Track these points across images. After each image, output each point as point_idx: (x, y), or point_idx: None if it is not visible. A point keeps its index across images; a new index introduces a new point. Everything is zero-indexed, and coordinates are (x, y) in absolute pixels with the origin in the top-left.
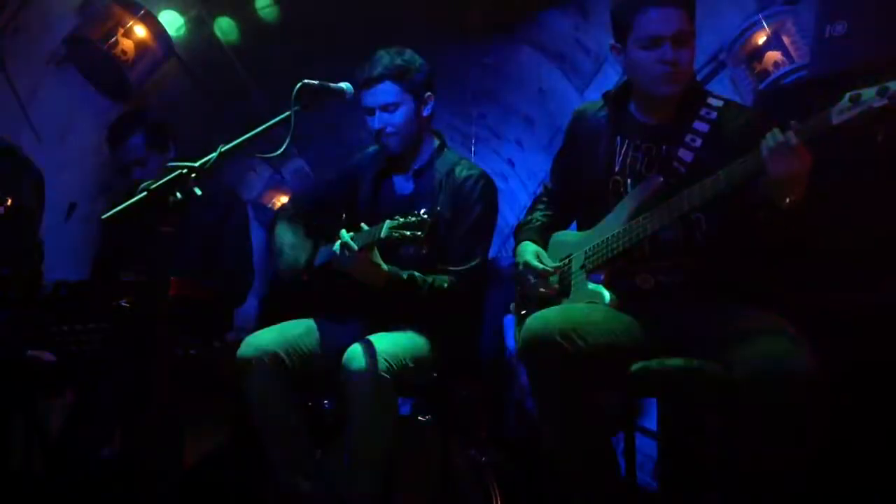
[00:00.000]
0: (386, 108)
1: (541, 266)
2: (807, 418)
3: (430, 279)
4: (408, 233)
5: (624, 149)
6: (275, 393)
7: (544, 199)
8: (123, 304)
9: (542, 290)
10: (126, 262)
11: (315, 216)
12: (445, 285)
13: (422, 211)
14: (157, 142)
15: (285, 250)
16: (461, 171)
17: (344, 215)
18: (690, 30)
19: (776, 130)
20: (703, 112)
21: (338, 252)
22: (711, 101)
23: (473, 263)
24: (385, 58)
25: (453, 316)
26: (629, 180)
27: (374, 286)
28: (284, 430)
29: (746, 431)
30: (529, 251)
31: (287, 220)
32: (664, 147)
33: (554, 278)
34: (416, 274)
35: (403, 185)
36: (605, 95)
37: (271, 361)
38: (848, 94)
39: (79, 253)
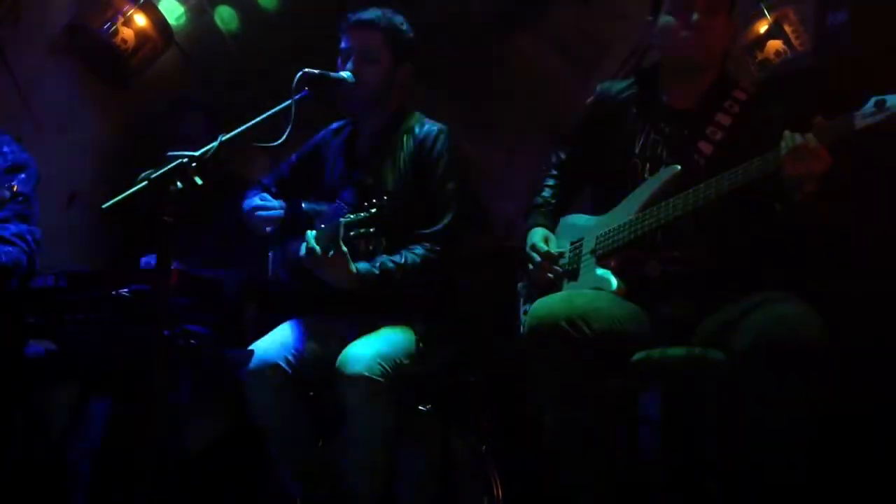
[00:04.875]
0: (365, 54)
1: (545, 249)
2: (810, 387)
3: (401, 260)
4: (361, 230)
5: (646, 131)
6: (280, 404)
7: (553, 171)
8: (125, 293)
9: (547, 274)
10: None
11: (283, 200)
12: (419, 260)
13: (373, 201)
14: (209, 127)
15: (255, 213)
16: (421, 129)
17: (304, 204)
18: (721, 4)
19: (797, 134)
20: (726, 104)
21: (304, 255)
22: (737, 93)
23: (447, 220)
24: (380, 11)
25: (439, 293)
26: (648, 164)
27: (347, 289)
28: (290, 438)
29: (747, 405)
30: (538, 235)
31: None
32: (686, 133)
33: (563, 260)
34: (388, 262)
35: (365, 147)
36: (637, 73)
37: (275, 374)
38: (873, 99)
39: (79, 242)
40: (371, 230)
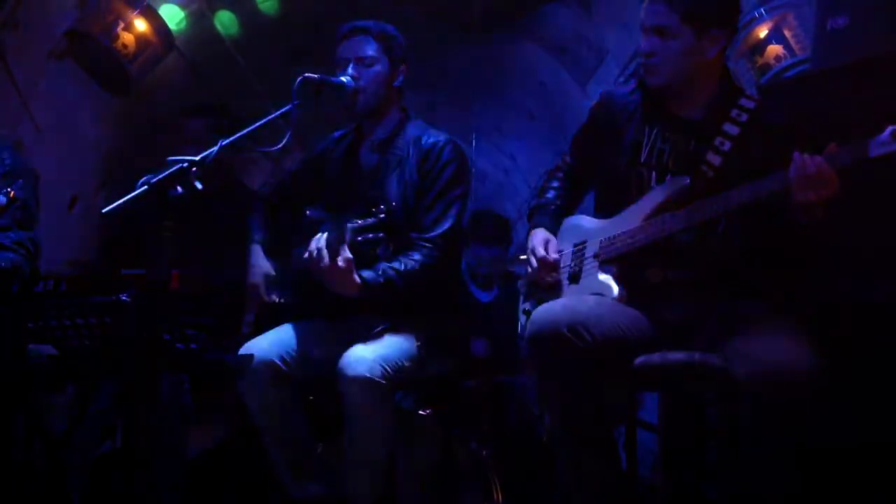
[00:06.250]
0: (361, 60)
1: (543, 254)
2: (805, 415)
3: (401, 266)
4: (370, 235)
5: (652, 138)
6: (275, 402)
7: (559, 174)
8: (125, 298)
9: (546, 279)
10: (135, 254)
11: (285, 209)
12: (417, 266)
13: (381, 207)
14: (220, 129)
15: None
16: (428, 138)
17: (308, 211)
18: (675, 27)
19: (806, 157)
20: (733, 113)
21: (308, 259)
22: (744, 101)
23: (446, 227)
24: (370, 20)
25: (436, 297)
26: (654, 172)
27: (350, 296)
28: (287, 437)
29: (745, 425)
30: (539, 238)
31: (261, 242)
32: (693, 142)
33: (565, 262)
34: (389, 269)
35: (369, 157)
36: (640, 79)
37: (270, 370)
38: (890, 128)
39: (80, 245)
40: (379, 235)
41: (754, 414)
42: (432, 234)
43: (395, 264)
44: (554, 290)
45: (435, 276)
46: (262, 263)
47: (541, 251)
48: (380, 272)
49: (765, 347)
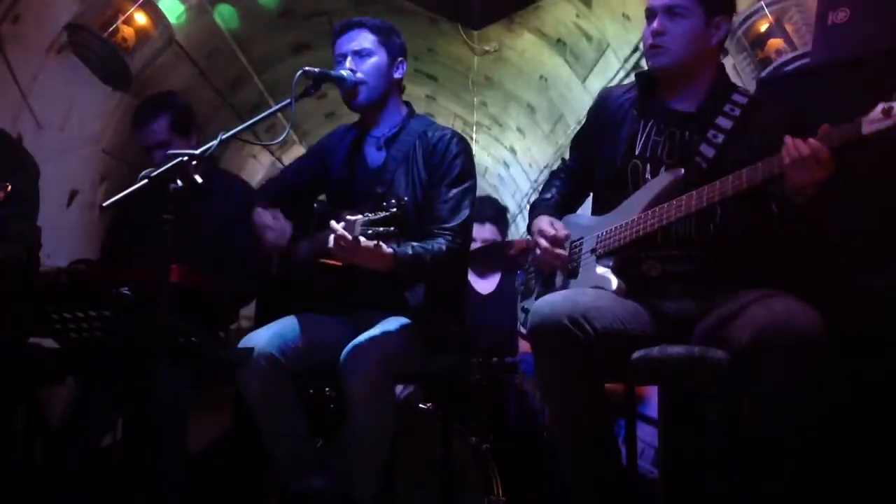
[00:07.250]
0: (359, 53)
1: (552, 232)
2: (809, 381)
3: (429, 246)
4: (381, 229)
5: (647, 131)
6: (275, 396)
7: (561, 175)
8: (125, 291)
9: (554, 258)
10: (136, 249)
11: (286, 205)
12: (444, 248)
13: (392, 201)
14: (181, 127)
15: (266, 232)
16: (434, 132)
17: (315, 204)
18: (687, 6)
19: (799, 141)
20: (726, 108)
21: (332, 245)
22: (736, 97)
23: (464, 217)
24: (367, 16)
25: (439, 292)
26: (649, 165)
27: (383, 270)
28: (286, 432)
29: (746, 400)
30: (544, 221)
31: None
32: (687, 136)
33: (566, 246)
34: (418, 247)
35: (375, 155)
36: (637, 75)
37: (269, 364)
38: (880, 105)
39: (79, 240)
40: (391, 229)
41: (756, 386)
42: (453, 223)
43: (423, 244)
44: (562, 272)
45: (455, 264)
46: (265, 212)
47: (549, 230)
48: (408, 246)
49: (771, 311)
